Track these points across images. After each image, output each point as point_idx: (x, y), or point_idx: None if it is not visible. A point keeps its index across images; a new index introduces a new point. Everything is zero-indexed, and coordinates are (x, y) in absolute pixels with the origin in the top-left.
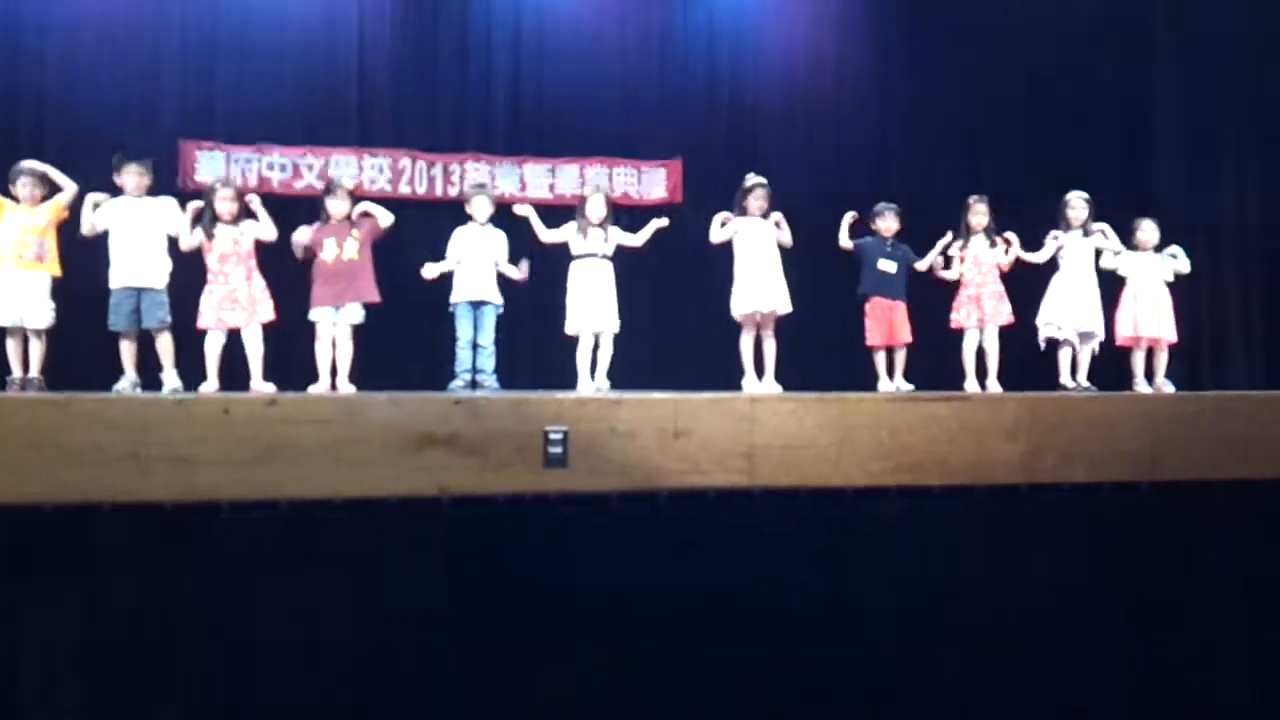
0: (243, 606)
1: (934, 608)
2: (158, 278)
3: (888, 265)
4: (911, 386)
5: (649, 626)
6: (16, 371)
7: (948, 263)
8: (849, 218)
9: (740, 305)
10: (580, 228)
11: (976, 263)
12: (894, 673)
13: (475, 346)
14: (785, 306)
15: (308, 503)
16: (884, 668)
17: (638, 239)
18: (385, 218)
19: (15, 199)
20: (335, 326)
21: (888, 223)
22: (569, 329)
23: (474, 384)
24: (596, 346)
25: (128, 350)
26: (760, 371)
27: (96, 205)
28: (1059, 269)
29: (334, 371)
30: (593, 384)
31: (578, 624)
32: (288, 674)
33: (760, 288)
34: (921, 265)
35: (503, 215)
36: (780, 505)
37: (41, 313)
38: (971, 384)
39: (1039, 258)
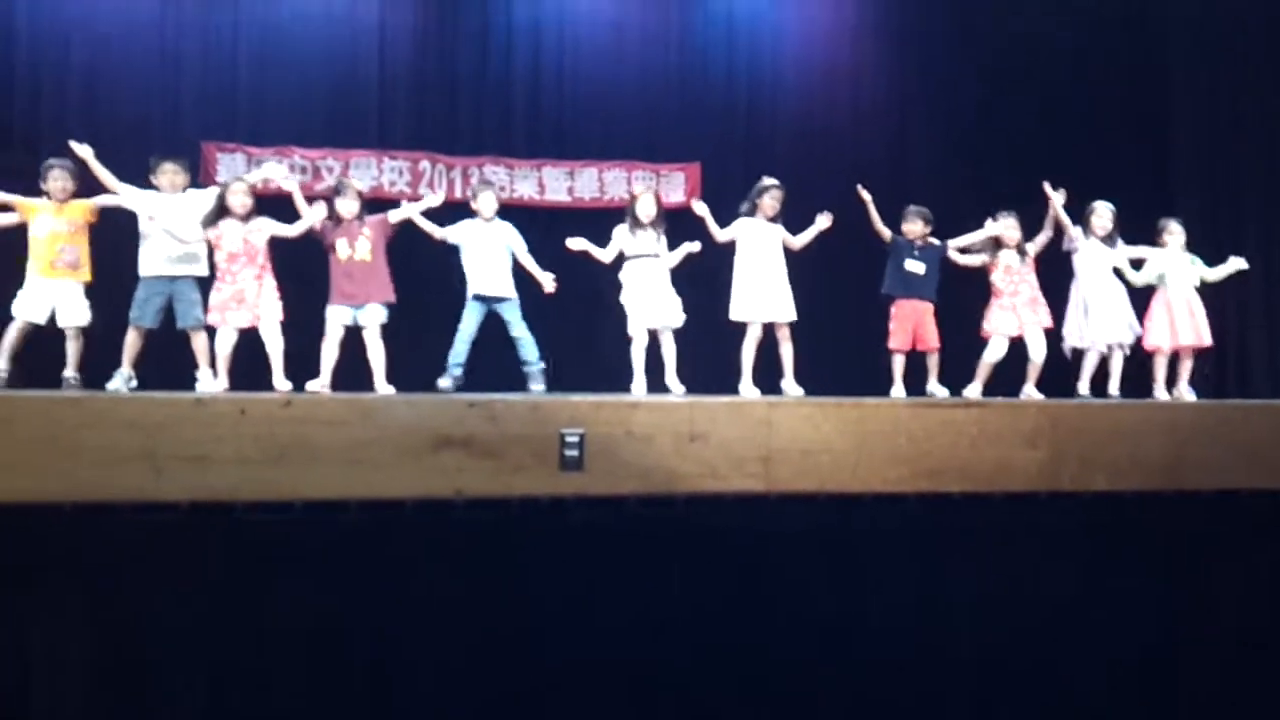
0: (257, 607)
1: (951, 615)
2: (195, 267)
3: (915, 266)
4: (946, 392)
5: (665, 630)
6: (2, 364)
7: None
8: (869, 202)
9: (739, 312)
10: (631, 228)
11: (1008, 272)
12: (911, 678)
13: (511, 340)
14: (788, 315)
15: (323, 504)
16: (901, 673)
17: (669, 259)
18: (405, 212)
19: (46, 194)
20: (363, 329)
21: (915, 225)
22: (630, 329)
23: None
24: (656, 346)
25: (134, 345)
26: (779, 375)
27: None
28: (1077, 278)
29: (336, 372)
30: (645, 389)
31: (593, 627)
32: (301, 674)
33: (761, 295)
34: (956, 243)
35: (523, 217)
36: (797, 510)
37: (77, 313)
38: (976, 389)
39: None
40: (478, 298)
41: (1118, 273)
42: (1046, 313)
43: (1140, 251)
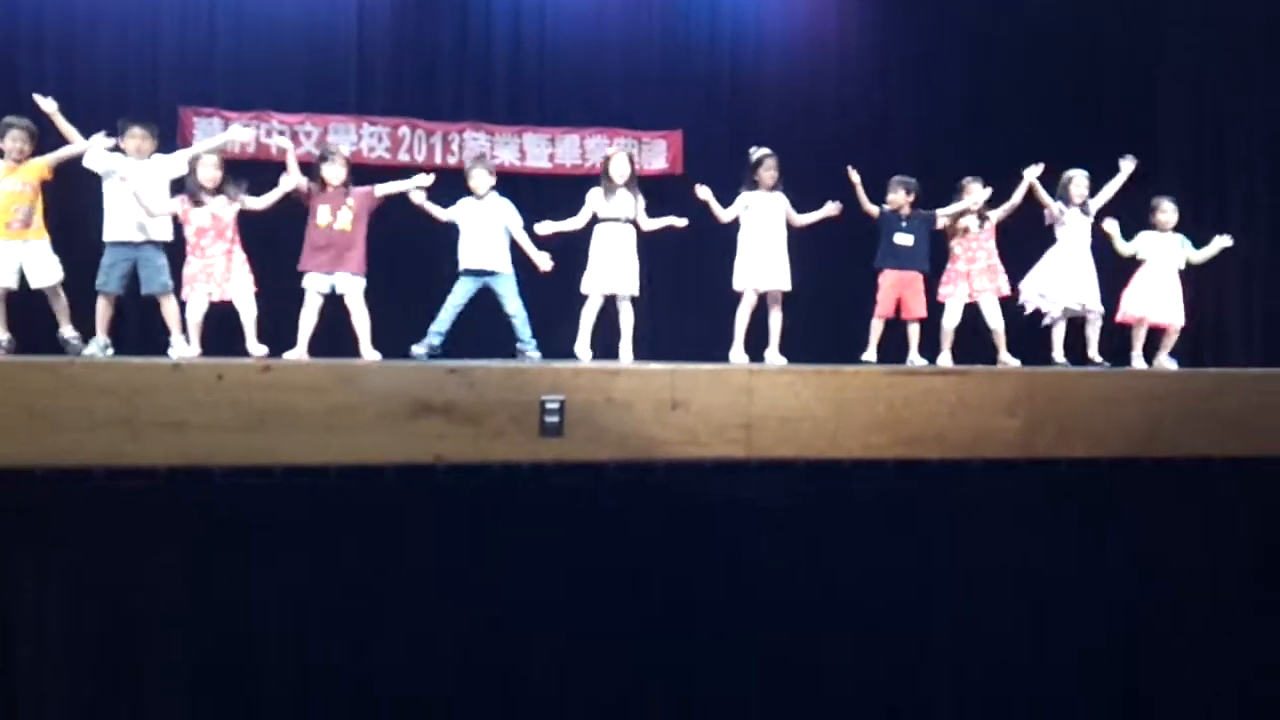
0: (236, 572)
1: (928, 580)
2: (159, 232)
3: (904, 238)
4: (924, 361)
5: (644, 596)
6: (2, 333)
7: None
8: (856, 179)
9: (742, 280)
10: (605, 189)
11: (965, 237)
12: (888, 644)
13: (509, 315)
14: (784, 284)
15: (302, 469)
16: (878, 639)
17: (649, 224)
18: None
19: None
20: (344, 296)
21: (900, 196)
22: (584, 288)
23: (516, 353)
24: (609, 312)
25: (104, 313)
26: (765, 344)
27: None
28: (1056, 243)
29: (312, 340)
30: (589, 350)
31: (572, 592)
32: (281, 640)
33: (763, 264)
34: (945, 212)
35: (503, 185)
36: (776, 477)
37: (46, 271)
38: (946, 357)
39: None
40: (469, 272)
41: (1097, 244)
42: (1005, 280)
43: (1129, 247)
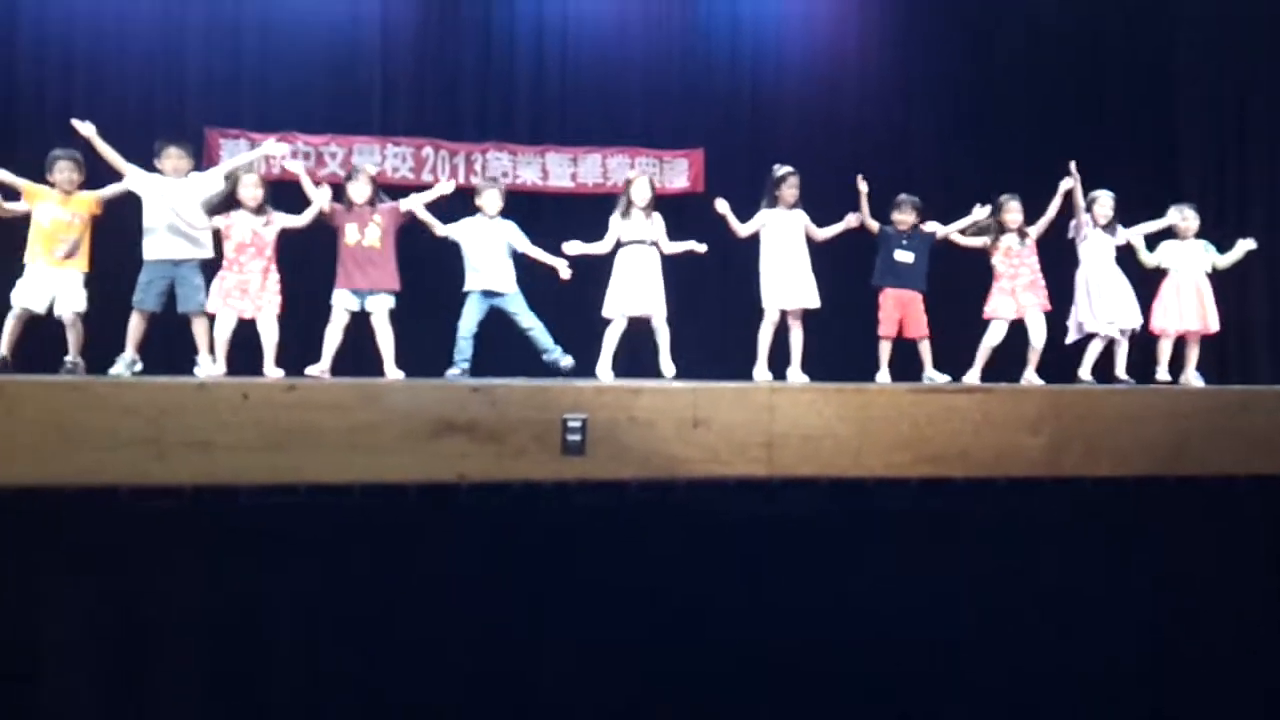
0: (258, 590)
1: (952, 600)
2: (199, 250)
3: (904, 255)
4: (947, 378)
5: (666, 615)
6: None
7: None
8: (864, 189)
9: (770, 299)
10: (624, 212)
11: (1009, 255)
12: (911, 664)
13: (523, 333)
14: (813, 302)
15: (326, 488)
16: (901, 658)
17: (670, 247)
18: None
19: (50, 184)
20: (371, 314)
21: (906, 215)
22: (606, 311)
23: (547, 364)
24: (629, 334)
25: (137, 328)
26: (787, 362)
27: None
28: (1081, 265)
29: (337, 357)
30: (610, 371)
31: (593, 611)
32: (302, 658)
33: (788, 282)
34: (945, 230)
35: (526, 204)
36: (799, 496)
37: (74, 300)
38: (975, 375)
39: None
40: (477, 293)
41: (1121, 258)
42: (1045, 295)
43: (1153, 225)
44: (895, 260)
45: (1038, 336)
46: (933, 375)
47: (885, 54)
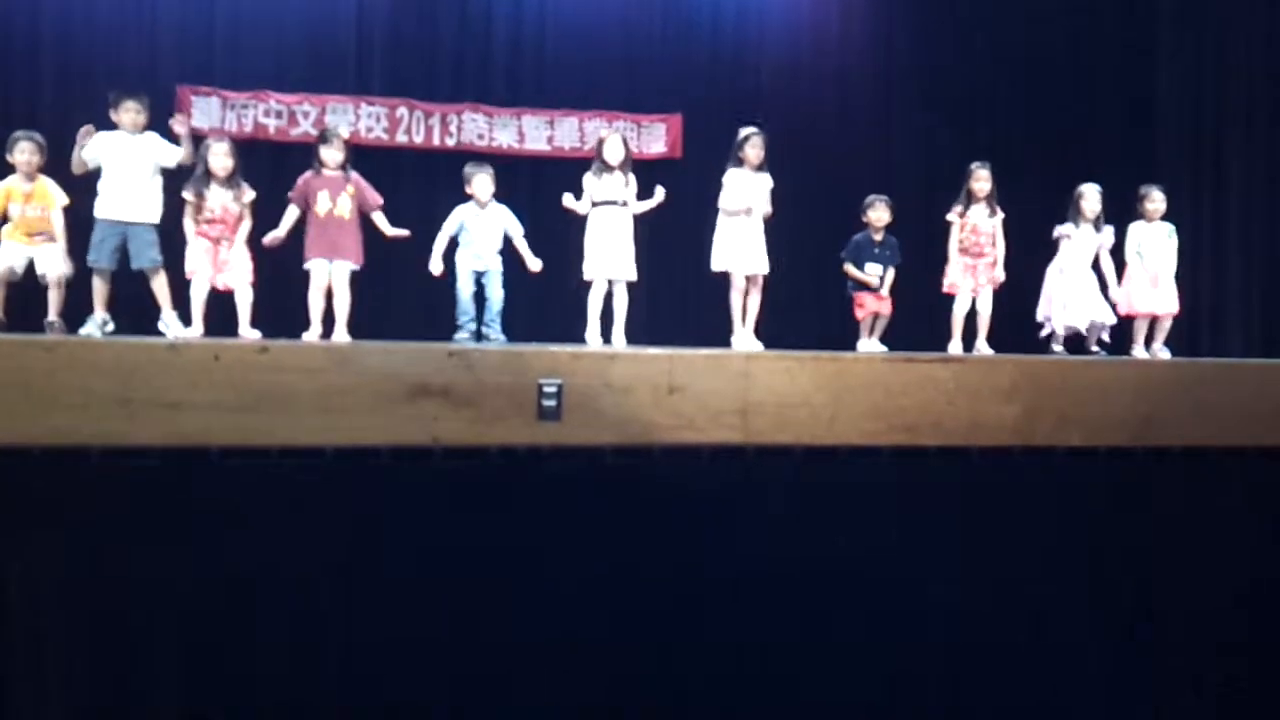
0: (231, 552)
1: (925, 567)
2: (149, 213)
3: (874, 268)
4: (884, 349)
5: (639, 581)
6: None
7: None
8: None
9: (719, 263)
10: (597, 171)
11: (975, 231)
12: (884, 631)
13: (482, 300)
14: (763, 268)
15: (298, 450)
16: (874, 626)
17: (639, 207)
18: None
19: (12, 167)
20: (332, 276)
21: (879, 213)
22: (586, 274)
23: (479, 335)
24: (609, 295)
25: (100, 289)
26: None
27: (84, 146)
28: (1059, 257)
29: (328, 320)
30: (599, 336)
31: (567, 577)
32: (276, 620)
33: (741, 248)
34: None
35: (501, 167)
36: (773, 463)
37: (55, 264)
38: (956, 345)
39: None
40: (472, 272)
41: (1097, 261)
42: (1002, 273)
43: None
44: (867, 272)
45: (986, 307)
46: (875, 345)
47: (868, 22)
